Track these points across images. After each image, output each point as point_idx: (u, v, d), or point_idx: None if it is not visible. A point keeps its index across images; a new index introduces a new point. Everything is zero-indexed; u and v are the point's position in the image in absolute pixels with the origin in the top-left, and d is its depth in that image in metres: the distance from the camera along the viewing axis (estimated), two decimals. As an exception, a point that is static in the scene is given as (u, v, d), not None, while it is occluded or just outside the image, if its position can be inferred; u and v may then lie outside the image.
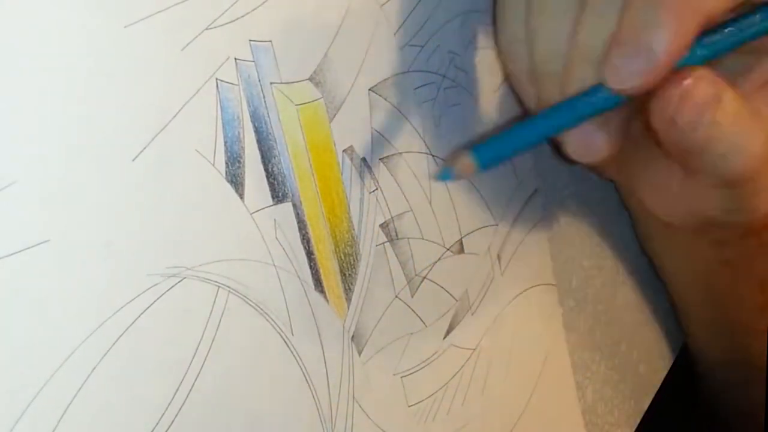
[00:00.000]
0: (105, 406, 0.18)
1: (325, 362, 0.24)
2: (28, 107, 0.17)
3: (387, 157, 0.27)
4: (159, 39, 0.20)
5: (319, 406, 0.24)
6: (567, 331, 0.37)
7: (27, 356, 0.17)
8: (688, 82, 0.25)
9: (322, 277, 0.24)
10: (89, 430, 0.18)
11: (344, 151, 0.25)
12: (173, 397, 0.20)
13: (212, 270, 0.21)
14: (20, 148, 0.17)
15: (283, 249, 0.23)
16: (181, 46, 0.20)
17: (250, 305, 0.22)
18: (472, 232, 0.31)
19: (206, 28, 0.21)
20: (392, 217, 0.27)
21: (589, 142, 0.27)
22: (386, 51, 0.27)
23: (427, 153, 0.29)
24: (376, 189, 0.26)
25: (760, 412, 0.40)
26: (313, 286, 0.24)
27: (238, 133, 0.22)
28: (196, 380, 0.20)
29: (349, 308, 0.25)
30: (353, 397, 0.25)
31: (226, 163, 0.21)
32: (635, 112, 0.28)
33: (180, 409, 0.20)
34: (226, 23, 0.21)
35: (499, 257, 0.32)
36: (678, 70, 0.25)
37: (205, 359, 0.21)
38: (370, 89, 0.26)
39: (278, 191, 0.23)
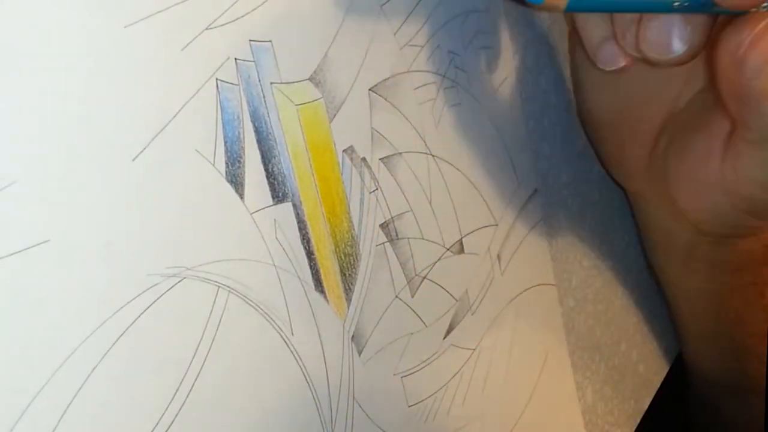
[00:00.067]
0: (105, 406, 0.18)
1: (325, 362, 0.24)
2: (28, 107, 0.17)
3: (387, 157, 0.27)
4: (159, 39, 0.20)
5: (319, 406, 0.24)
6: (567, 331, 0.37)
7: (27, 356, 0.17)
8: (763, 25, 0.25)
9: (322, 277, 0.24)
10: (89, 430, 0.18)
11: (344, 151, 0.25)
12: (173, 397, 0.20)
13: (212, 270, 0.21)
14: (20, 148, 0.17)
15: (283, 249, 0.23)
16: (181, 46, 0.20)
17: (250, 305, 0.22)
18: (472, 232, 0.31)
19: (206, 28, 0.21)
20: (392, 217, 0.27)
21: (673, 36, 0.27)
22: (386, 51, 0.27)
23: (427, 153, 0.29)
24: (376, 189, 0.26)
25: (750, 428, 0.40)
26: (313, 286, 0.24)
27: (238, 133, 0.22)
28: (196, 380, 0.20)
29: (349, 308, 0.25)
30: (353, 397, 0.25)
31: (226, 163, 0.21)
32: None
33: (180, 409, 0.20)
34: (226, 23, 0.21)
35: (499, 257, 0.32)
36: (759, 11, 0.25)
37: (205, 359, 0.21)
38: (370, 89, 0.26)
39: (278, 191, 0.23)
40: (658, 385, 0.46)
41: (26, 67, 0.17)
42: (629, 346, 0.43)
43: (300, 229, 0.23)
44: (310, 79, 0.24)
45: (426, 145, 0.28)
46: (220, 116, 0.21)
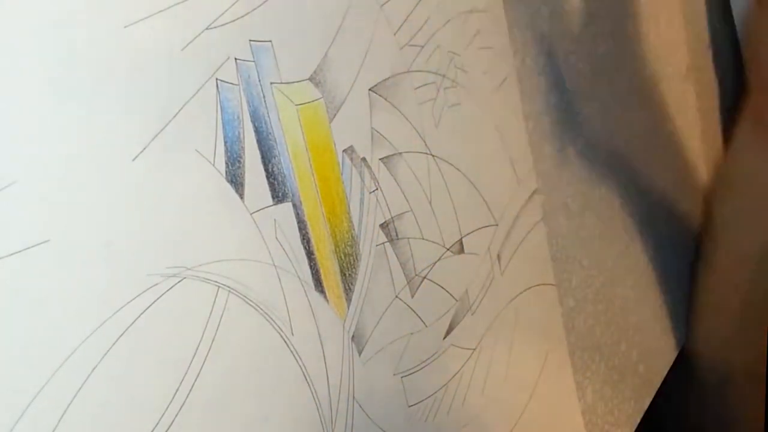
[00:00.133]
0: (105, 406, 0.18)
1: (325, 362, 0.24)
2: (28, 107, 0.17)
3: (387, 157, 0.27)
4: (159, 39, 0.20)
5: (319, 406, 0.24)
6: (567, 331, 0.37)
7: (27, 356, 0.17)
8: None
9: (322, 277, 0.24)
10: (89, 430, 0.18)
11: (344, 151, 0.25)
12: (173, 397, 0.20)
13: (212, 270, 0.21)
14: (20, 148, 0.17)
15: (283, 249, 0.23)
16: (181, 46, 0.20)
17: (250, 305, 0.22)
18: (472, 232, 0.31)
19: (206, 28, 0.21)
20: (392, 217, 0.27)
21: None
22: (386, 51, 0.27)
23: (427, 153, 0.29)
24: (376, 189, 0.26)
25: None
26: (313, 286, 0.24)
27: (238, 133, 0.22)
28: (196, 380, 0.20)
29: (349, 308, 0.25)
30: (353, 397, 0.25)
31: (226, 163, 0.21)
32: None
33: (180, 409, 0.20)
34: (226, 23, 0.21)
35: (499, 257, 0.32)
36: None
37: (205, 359, 0.21)
38: (370, 89, 0.26)
39: (278, 191, 0.23)
40: (658, 385, 0.46)
41: (26, 67, 0.17)
42: (629, 346, 0.43)
43: (300, 229, 0.23)
44: (310, 79, 0.24)
45: (426, 145, 0.28)
46: (220, 116, 0.21)
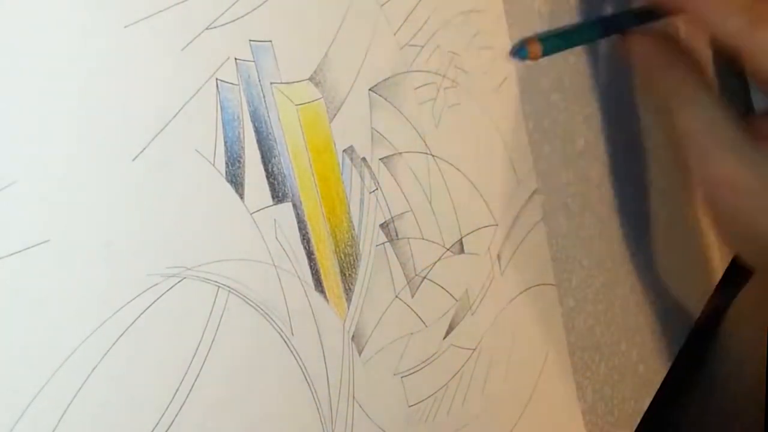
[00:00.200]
0: (105, 406, 0.18)
1: (325, 362, 0.24)
2: (28, 107, 0.17)
3: (387, 157, 0.27)
4: (159, 39, 0.20)
5: (319, 406, 0.24)
6: (567, 331, 0.37)
7: (27, 356, 0.17)
8: None
9: (322, 277, 0.24)
10: (89, 430, 0.18)
11: (344, 151, 0.25)
12: (173, 397, 0.20)
13: (212, 270, 0.21)
14: (20, 148, 0.17)
15: (283, 249, 0.23)
16: (181, 46, 0.20)
17: (250, 305, 0.22)
18: (472, 232, 0.31)
19: (206, 28, 0.21)
20: (392, 217, 0.27)
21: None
22: (386, 51, 0.27)
23: (427, 153, 0.29)
24: (376, 189, 0.26)
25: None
26: (313, 286, 0.24)
27: (238, 133, 0.22)
28: (196, 380, 0.20)
29: (349, 308, 0.25)
30: (353, 397, 0.25)
31: (226, 163, 0.21)
32: None
33: (180, 409, 0.20)
34: (226, 23, 0.21)
35: (499, 257, 0.32)
36: None
37: (205, 359, 0.21)
38: (370, 89, 0.26)
39: (278, 191, 0.23)
40: (658, 385, 0.46)
41: (26, 67, 0.17)
42: (629, 346, 0.43)
43: (300, 229, 0.23)
44: (310, 79, 0.24)
45: (426, 145, 0.28)
46: (220, 116, 0.21)
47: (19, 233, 0.17)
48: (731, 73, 0.54)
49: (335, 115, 0.25)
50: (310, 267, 0.24)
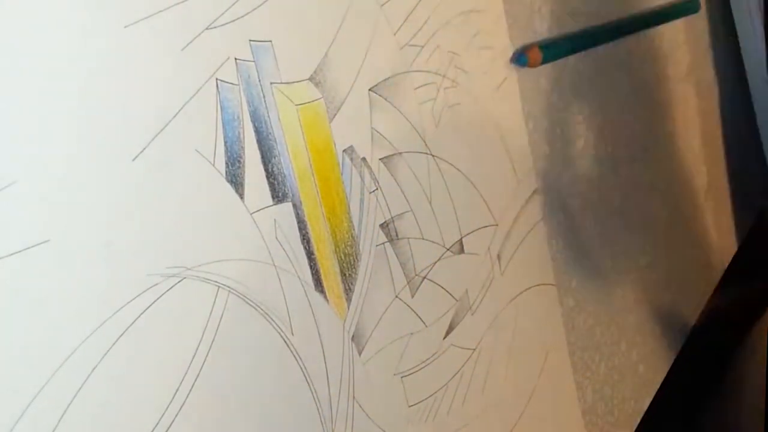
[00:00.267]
0: (105, 406, 0.18)
1: (325, 362, 0.24)
2: (28, 107, 0.17)
3: (387, 157, 0.27)
4: (159, 39, 0.20)
5: (319, 406, 0.24)
6: (567, 331, 0.37)
7: (27, 356, 0.17)
8: None
9: (322, 277, 0.24)
10: (89, 430, 0.18)
11: (344, 151, 0.25)
12: (173, 397, 0.20)
13: (212, 270, 0.21)
14: (20, 148, 0.17)
15: (283, 249, 0.23)
16: (181, 46, 0.20)
17: (250, 305, 0.22)
18: (472, 232, 0.31)
19: (206, 28, 0.21)
20: (392, 217, 0.27)
21: None
22: (386, 51, 0.27)
23: (427, 153, 0.29)
24: (376, 189, 0.26)
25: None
26: (313, 286, 0.24)
27: (238, 133, 0.22)
28: (196, 380, 0.20)
29: (349, 308, 0.25)
30: (353, 397, 0.25)
31: (226, 163, 0.21)
32: None
33: (180, 409, 0.20)
34: (226, 23, 0.21)
35: (499, 257, 0.32)
36: None
37: (205, 359, 0.21)
38: (370, 89, 0.26)
39: (278, 191, 0.23)
40: (658, 385, 0.46)
41: (26, 67, 0.17)
42: (629, 346, 0.43)
43: (300, 229, 0.23)
44: (310, 79, 0.24)
45: (426, 145, 0.28)
46: (220, 116, 0.21)
47: (19, 233, 0.17)
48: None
49: (335, 115, 0.25)
50: (310, 267, 0.24)
